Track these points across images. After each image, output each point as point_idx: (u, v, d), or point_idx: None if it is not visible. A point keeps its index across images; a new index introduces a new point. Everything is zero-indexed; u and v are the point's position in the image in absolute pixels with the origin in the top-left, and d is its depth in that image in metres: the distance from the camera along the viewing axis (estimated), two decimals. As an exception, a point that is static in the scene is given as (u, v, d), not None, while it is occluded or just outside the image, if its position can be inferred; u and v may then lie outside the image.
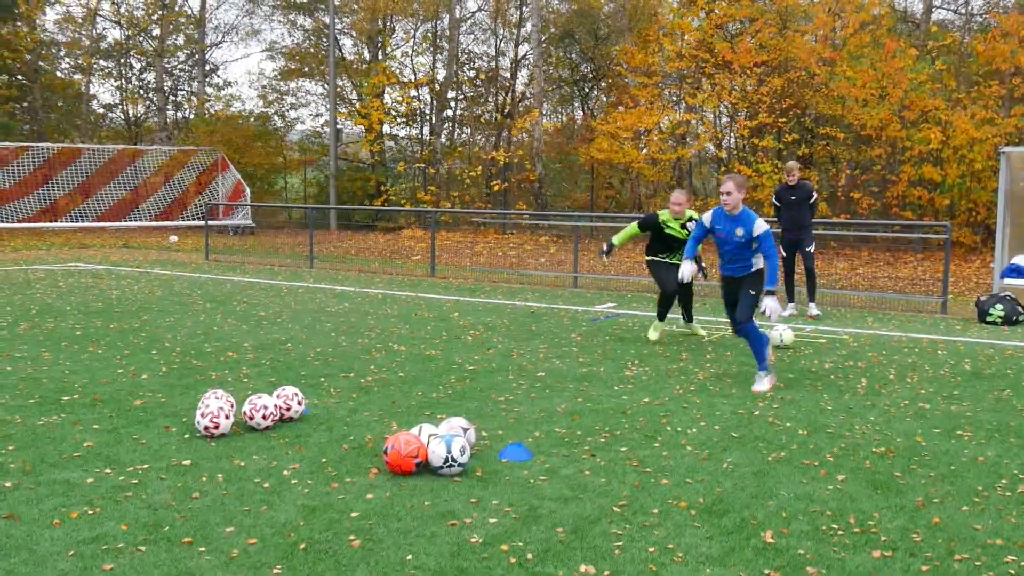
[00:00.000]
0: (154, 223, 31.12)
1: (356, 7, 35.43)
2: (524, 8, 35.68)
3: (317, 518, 4.79)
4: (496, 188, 32.90)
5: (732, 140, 31.93)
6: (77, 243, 25.65)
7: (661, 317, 10.54)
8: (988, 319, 12.18)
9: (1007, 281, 13.12)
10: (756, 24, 27.09)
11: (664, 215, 10.38)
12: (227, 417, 6.24)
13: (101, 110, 40.24)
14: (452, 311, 12.82)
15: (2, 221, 28.69)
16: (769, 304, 7.93)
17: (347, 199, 34.75)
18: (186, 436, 6.25)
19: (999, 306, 12.16)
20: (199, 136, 34.58)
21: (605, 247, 10.57)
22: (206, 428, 6.18)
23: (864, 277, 18.71)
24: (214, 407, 6.23)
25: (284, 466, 5.63)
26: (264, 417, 6.42)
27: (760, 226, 7.99)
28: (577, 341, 10.42)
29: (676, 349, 9.97)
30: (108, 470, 5.52)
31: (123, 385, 7.83)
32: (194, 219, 30.71)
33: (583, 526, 4.72)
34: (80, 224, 29.92)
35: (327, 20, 34.62)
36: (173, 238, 27.36)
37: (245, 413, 6.43)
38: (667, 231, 10.33)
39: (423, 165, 35.75)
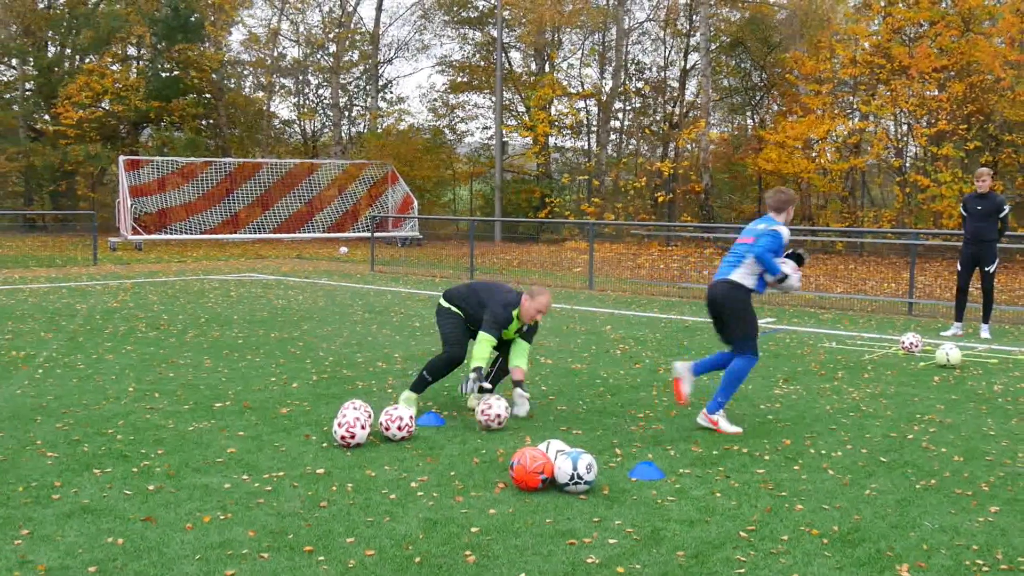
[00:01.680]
0: (327, 235, 32.29)
1: (524, 20, 35.81)
2: (694, 17, 35.24)
3: (437, 532, 4.79)
4: (661, 199, 32.55)
5: (911, 149, 30.59)
6: (254, 254, 26.84)
7: (418, 388, 7.46)
8: None
9: None
10: (936, 27, 25.84)
11: (514, 312, 7.36)
12: (363, 428, 6.33)
13: (280, 125, 42.13)
14: (604, 324, 12.71)
15: (189, 232, 30.36)
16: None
17: (512, 211, 35.11)
18: (324, 445, 6.39)
19: None
20: (371, 150, 35.71)
21: (474, 376, 7.16)
22: (342, 438, 6.30)
23: (1052, 293, 17.49)
24: (351, 417, 6.34)
25: (413, 478, 5.67)
26: (399, 428, 6.49)
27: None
28: (728, 357, 10.11)
29: (832, 367, 9.55)
30: (245, 476, 5.69)
31: (273, 393, 8.09)
32: (364, 231, 31.65)
33: (705, 551, 4.54)
34: (258, 236, 31.35)
35: (495, 34, 35.12)
36: (343, 249, 28.27)
37: (381, 424, 6.52)
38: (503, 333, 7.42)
39: (587, 177, 35.76)
